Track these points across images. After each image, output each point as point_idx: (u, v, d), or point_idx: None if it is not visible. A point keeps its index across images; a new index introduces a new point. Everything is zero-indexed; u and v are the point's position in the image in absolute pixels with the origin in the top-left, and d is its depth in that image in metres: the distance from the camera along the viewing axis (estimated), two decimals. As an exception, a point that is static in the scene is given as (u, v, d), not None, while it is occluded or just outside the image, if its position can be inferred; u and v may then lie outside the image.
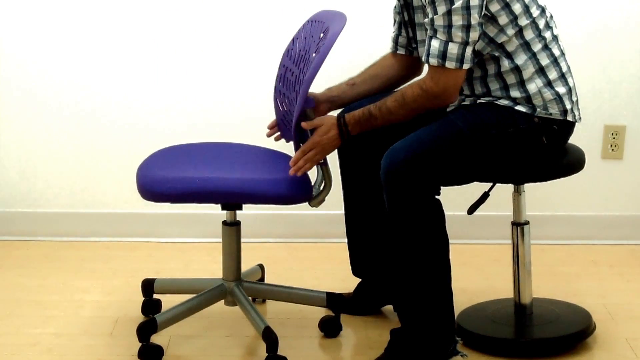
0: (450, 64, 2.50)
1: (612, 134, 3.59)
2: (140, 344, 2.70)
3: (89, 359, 2.74)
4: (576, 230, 3.65)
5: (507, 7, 2.55)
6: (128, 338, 2.82)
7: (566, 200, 3.63)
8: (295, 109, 2.61)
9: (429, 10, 2.51)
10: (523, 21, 2.57)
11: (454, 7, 2.46)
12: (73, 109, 3.58)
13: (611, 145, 3.60)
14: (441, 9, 2.47)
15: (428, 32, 2.53)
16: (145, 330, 2.69)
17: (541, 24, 2.61)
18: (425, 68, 2.60)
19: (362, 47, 3.40)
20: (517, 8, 2.56)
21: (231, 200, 2.67)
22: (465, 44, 2.49)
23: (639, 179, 3.65)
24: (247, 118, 3.56)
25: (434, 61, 2.51)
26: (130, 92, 3.57)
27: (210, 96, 3.57)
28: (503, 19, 2.55)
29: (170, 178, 2.65)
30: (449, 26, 2.47)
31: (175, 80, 3.57)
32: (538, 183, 2.81)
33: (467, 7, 2.46)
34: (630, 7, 3.51)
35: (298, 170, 2.61)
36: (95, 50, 3.54)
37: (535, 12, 2.60)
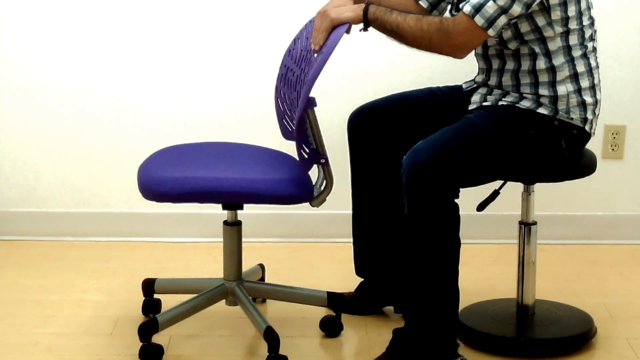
0: (479, 20, 2.49)
1: (613, 133, 3.59)
2: (141, 343, 2.69)
3: (89, 359, 2.74)
4: (576, 230, 3.65)
5: (564, 5, 2.55)
6: (128, 338, 2.82)
7: (566, 200, 3.63)
8: (297, 110, 2.60)
9: None
10: (573, 25, 2.58)
11: None
12: (73, 108, 3.58)
13: (611, 145, 3.61)
14: None
15: None
16: (147, 330, 2.69)
17: (587, 33, 2.62)
18: None
19: (364, 47, 3.41)
20: (571, 10, 2.56)
21: (232, 200, 2.67)
22: (504, 11, 2.48)
23: (639, 179, 3.65)
24: (248, 118, 3.56)
25: (467, 8, 2.49)
26: (131, 92, 3.57)
27: (211, 96, 3.57)
28: (555, 15, 2.56)
29: (171, 178, 2.65)
30: None
31: (176, 80, 3.56)
32: (539, 183, 2.81)
33: None
34: (630, 7, 3.51)
35: (315, 43, 2.58)
36: (95, 50, 3.53)
37: (586, 21, 2.61)
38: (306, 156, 2.63)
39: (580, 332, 2.82)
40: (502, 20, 2.49)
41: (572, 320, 2.89)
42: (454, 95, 2.83)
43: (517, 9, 2.49)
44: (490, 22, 2.49)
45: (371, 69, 3.50)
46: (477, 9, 2.48)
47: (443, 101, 2.83)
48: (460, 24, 2.50)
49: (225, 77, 3.55)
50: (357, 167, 2.91)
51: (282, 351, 2.64)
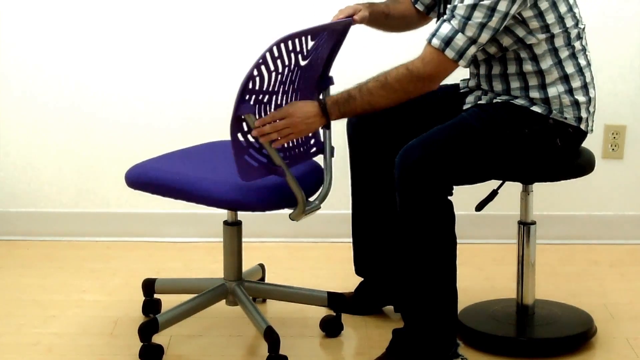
0: (450, 53, 2.47)
1: (613, 133, 3.59)
2: (141, 343, 2.69)
3: (89, 359, 2.74)
4: (576, 230, 3.65)
5: (540, 15, 2.53)
6: (128, 338, 2.82)
7: (566, 200, 3.63)
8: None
9: None
10: (556, 29, 2.56)
11: (481, 3, 2.43)
12: (73, 109, 3.58)
13: (611, 145, 3.61)
14: (468, 0, 2.45)
15: (446, 15, 2.50)
16: (147, 330, 2.69)
17: (573, 34, 2.59)
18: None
19: (362, 47, 3.40)
20: (550, 18, 2.54)
21: (175, 196, 2.66)
22: (473, 41, 2.47)
23: (639, 179, 3.65)
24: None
25: (436, 42, 2.47)
26: (131, 92, 3.57)
27: (212, 95, 3.57)
28: (533, 24, 2.53)
29: (141, 167, 2.74)
30: (467, 18, 2.45)
31: (177, 80, 3.56)
32: (538, 183, 2.81)
33: (493, 9, 2.44)
34: (630, 7, 3.51)
35: (260, 134, 2.47)
36: (95, 50, 3.54)
37: (569, 22, 2.58)
38: (255, 164, 2.53)
39: (580, 331, 2.82)
40: (472, 50, 2.48)
41: (572, 320, 2.89)
42: (453, 94, 2.83)
43: (485, 37, 2.47)
44: (461, 53, 2.47)
45: (370, 68, 3.49)
46: (447, 42, 2.46)
47: (442, 100, 2.83)
48: (431, 61, 2.48)
49: (227, 76, 3.55)
50: (357, 166, 2.91)
51: (282, 351, 2.64)
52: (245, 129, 2.49)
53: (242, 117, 2.45)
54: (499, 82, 2.65)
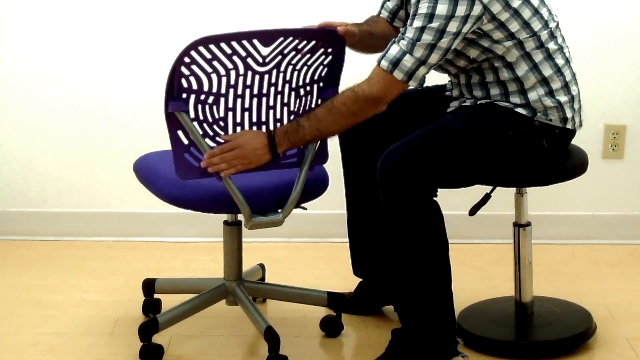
0: (398, 75, 2.45)
1: (613, 133, 3.59)
2: (141, 343, 2.69)
3: (89, 359, 2.74)
4: (576, 230, 3.65)
5: (502, 26, 2.50)
6: (128, 338, 2.82)
7: (566, 200, 3.63)
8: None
9: (410, 19, 2.47)
10: (522, 35, 2.52)
11: (429, 25, 2.42)
12: (73, 108, 3.58)
13: (612, 145, 3.61)
14: (417, 23, 2.43)
15: (397, 36, 2.49)
16: (147, 330, 2.69)
17: (543, 36, 2.55)
18: None
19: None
20: (514, 26, 2.51)
21: (144, 186, 2.76)
22: (422, 62, 2.44)
23: (639, 179, 3.65)
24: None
25: (384, 64, 2.46)
26: (131, 92, 3.57)
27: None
28: (497, 35, 2.51)
29: (145, 156, 2.88)
30: (415, 40, 2.43)
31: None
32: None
33: (442, 31, 2.42)
34: (631, 8, 3.51)
35: (210, 166, 2.49)
36: (95, 49, 3.54)
37: (537, 26, 2.54)
38: (196, 163, 2.52)
39: (579, 331, 2.81)
40: (422, 71, 2.46)
41: (572, 319, 2.88)
42: (443, 97, 2.81)
43: (435, 57, 2.45)
44: (410, 74, 2.45)
45: (363, 70, 3.49)
46: (395, 63, 2.44)
47: (432, 101, 2.82)
48: (377, 82, 2.46)
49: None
50: (349, 168, 2.91)
51: (282, 351, 2.64)
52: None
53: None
54: (479, 90, 2.63)
